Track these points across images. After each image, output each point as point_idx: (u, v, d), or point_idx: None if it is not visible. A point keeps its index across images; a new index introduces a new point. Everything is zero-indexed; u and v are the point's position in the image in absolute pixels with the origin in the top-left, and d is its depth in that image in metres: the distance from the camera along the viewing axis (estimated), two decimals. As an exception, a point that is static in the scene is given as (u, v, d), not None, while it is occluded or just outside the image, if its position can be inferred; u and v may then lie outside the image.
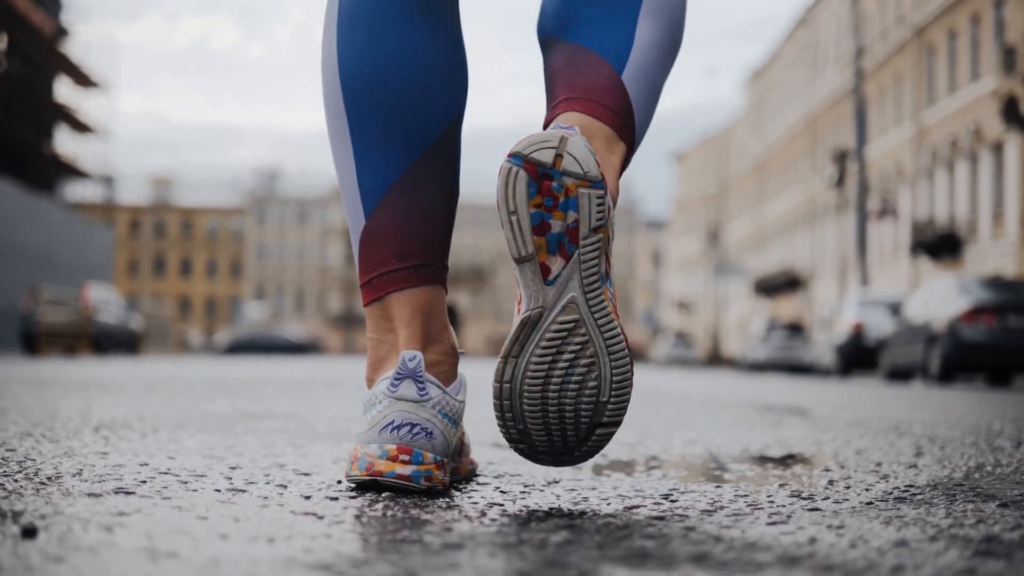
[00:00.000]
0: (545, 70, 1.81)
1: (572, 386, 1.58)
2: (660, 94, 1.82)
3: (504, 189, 1.53)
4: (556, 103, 1.73)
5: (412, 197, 1.75)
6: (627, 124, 1.72)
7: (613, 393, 1.58)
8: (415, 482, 1.64)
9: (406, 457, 1.65)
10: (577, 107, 1.70)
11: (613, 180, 1.68)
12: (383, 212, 1.75)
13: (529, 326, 1.57)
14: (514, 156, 1.53)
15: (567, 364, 1.57)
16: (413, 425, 1.66)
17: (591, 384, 1.57)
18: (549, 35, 1.81)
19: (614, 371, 1.58)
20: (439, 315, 1.78)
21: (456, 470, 1.85)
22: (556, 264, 1.56)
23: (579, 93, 1.71)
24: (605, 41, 1.75)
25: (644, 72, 1.77)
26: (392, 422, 1.66)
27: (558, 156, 1.53)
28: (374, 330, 1.77)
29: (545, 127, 1.72)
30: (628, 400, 1.60)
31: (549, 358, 1.57)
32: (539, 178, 1.53)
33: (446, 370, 1.76)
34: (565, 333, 1.57)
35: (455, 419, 1.73)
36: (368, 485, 1.67)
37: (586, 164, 1.54)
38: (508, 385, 1.57)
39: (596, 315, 1.57)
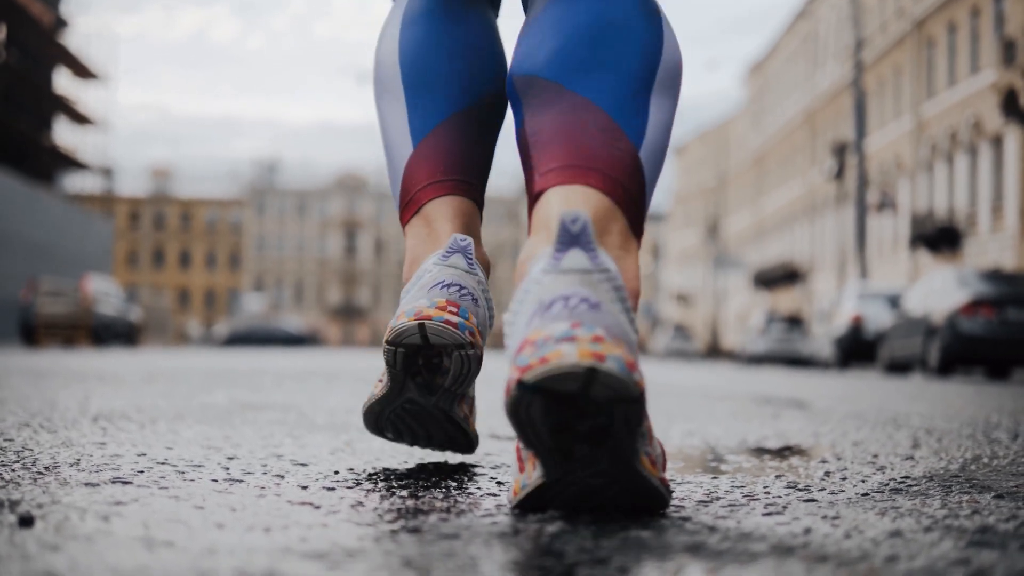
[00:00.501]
0: (533, 114, 1.59)
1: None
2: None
3: (514, 416, 1.29)
4: (564, 167, 1.50)
5: (453, 136, 1.82)
6: (640, 217, 1.53)
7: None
8: (460, 331, 1.62)
9: (454, 309, 1.63)
10: (594, 182, 1.49)
11: (634, 279, 1.50)
12: (427, 143, 1.81)
13: (548, 492, 1.38)
14: (524, 385, 1.26)
15: (593, 502, 1.39)
16: (462, 287, 1.66)
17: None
18: (539, 76, 1.60)
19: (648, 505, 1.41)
20: (477, 229, 1.81)
21: (466, 419, 1.82)
22: (582, 450, 1.34)
23: (593, 163, 1.49)
24: (619, 106, 1.55)
25: (655, 158, 1.58)
26: (442, 281, 1.66)
27: (585, 385, 1.25)
28: (413, 238, 1.78)
29: (536, 193, 1.52)
30: None
31: (573, 502, 1.39)
32: (560, 399, 1.27)
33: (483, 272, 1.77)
34: (592, 490, 1.38)
35: (491, 315, 1.75)
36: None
37: (623, 389, 1.26)
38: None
39: (631, 477, 1.37)
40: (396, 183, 1.85)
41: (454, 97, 1.85)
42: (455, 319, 1.61)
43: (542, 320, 1.30)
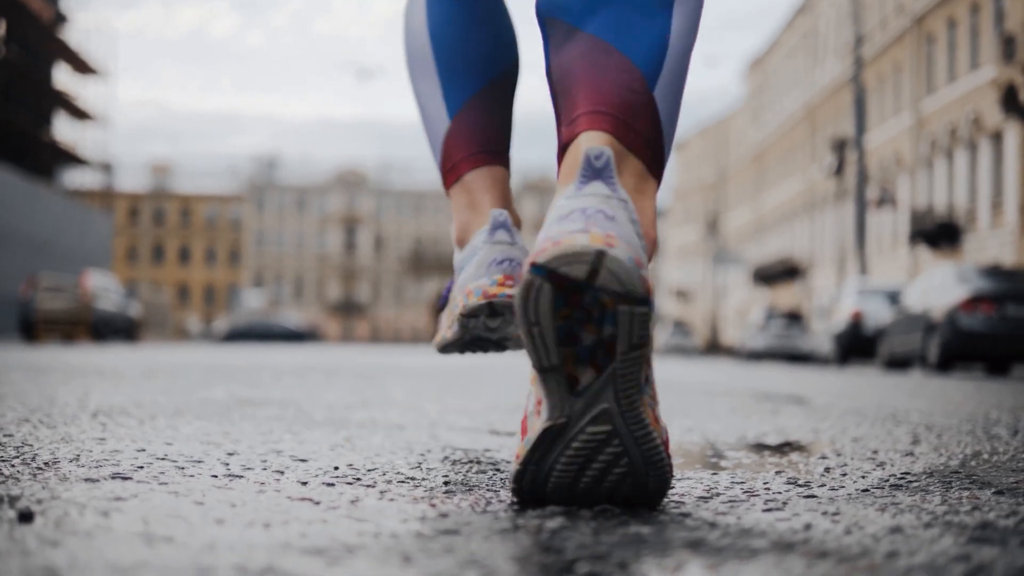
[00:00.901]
0: (554, 62, 1.64)
1: (603, 492, 1.41)
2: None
3: (523, 302, 1.35)
4: (577, 115, 1.56)
5: (483, 108, 2.11)
6: (656, 156, 1.58)
7: (654, 501, 1.43)
8: None
9: (511, 283, 1.95)
10: (607, 126, 1.53)
11: (651, 226, 1.54)
12: (462, 117, 2.10)
13: (552, 436, 1.39)
14: (536, 267, 1.34)
15: (596, 473, 1.40)
16: (512, 260, 1.97)
17: (624, 491, 1.41)
18: (559, 18, 1.64)
19: (653, 482, 1.41)
20: (509, 191, 2.12)
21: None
22: (586, 375, 1.38)
23: (607, 107, 1.54)
24: (635, 41, 1.59)
25: (675, 87, 1.62)
26: (495, 259, 1.96)
27: (593, 271, 1.33)
28: (458, 205, 2.09)
29: (564, 143, 1.56)
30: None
31: (575, 467, 1.39)
32: (568, 292, 1.35)
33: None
34: (595, 444, 1.38)
35: None
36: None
37: (629, 282, 1.33)
38: (528, 493, 1.42)
39: (633, 427, 1.38)
40: (436, 151, 2.14)
41: (482, 71, 2.12)
42: (513, 291, 1.92)
43: (559, 225, 1.40)
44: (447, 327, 2.10)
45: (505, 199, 2.09)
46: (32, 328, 25.40)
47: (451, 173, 2.10)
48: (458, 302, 2.00)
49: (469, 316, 1.97)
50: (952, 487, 1.72)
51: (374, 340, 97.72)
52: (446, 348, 2.14)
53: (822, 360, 26.00)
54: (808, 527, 1.30)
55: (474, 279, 1.98)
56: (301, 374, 6.79)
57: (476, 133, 2.09)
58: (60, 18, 44.56)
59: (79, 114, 45.68)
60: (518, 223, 2.06)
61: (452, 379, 6.53)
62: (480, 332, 2.00)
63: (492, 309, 1.95)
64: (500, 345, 2.11)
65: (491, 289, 1.94)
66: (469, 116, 2.10)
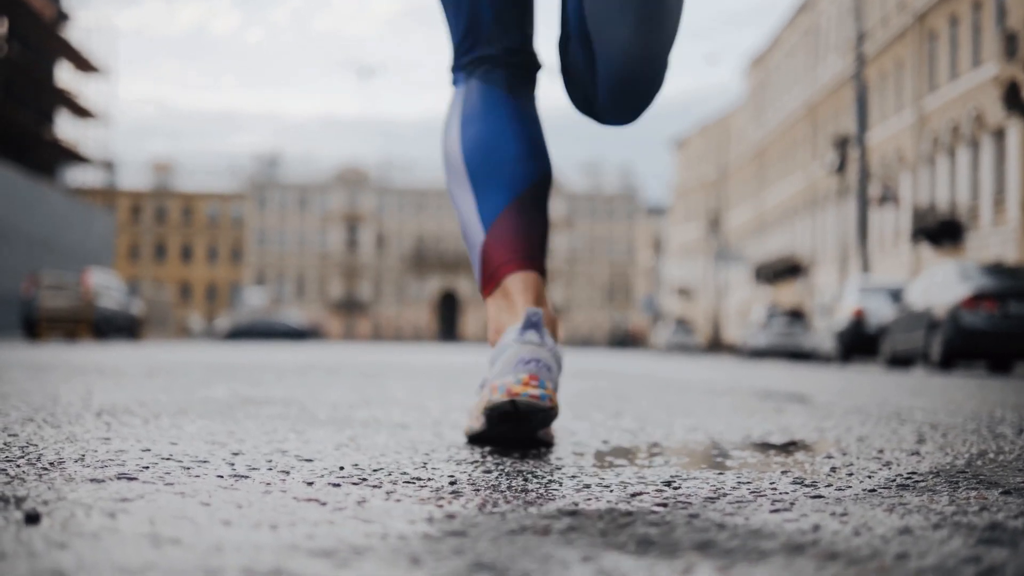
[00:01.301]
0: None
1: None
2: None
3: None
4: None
5: (516, 218, 2.35)
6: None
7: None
8: (543, 400, 2.11)
9: (535, 383, 2.11)
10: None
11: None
12: (496, 229, 2.34)
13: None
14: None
15: None
16: (538, 360, 2.15)
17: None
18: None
19: None
20: (543, 293, 2.33)
21: (546, 432, 2.33)
22: None
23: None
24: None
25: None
26: (523, 358, 2.14)
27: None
28: (495, 307, 2.34)
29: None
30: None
31: None
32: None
33: (550, 332, 2.28)
34: None
35: (560, 365, 2.24)
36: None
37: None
38: None
39: None
40: (475, 261, 2.39)
41: (513, 185, 2.36)
42: (537, 392, 2.11)
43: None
44: (475, 418, 2.30)
45: (539, 300, 2.30)
46: (34, 326, 25.42)
47: (490, 281, 2.34)
48: (484, 396, 2.19)
49: (492, 411, 2.13)
50: (959, 487, 1.72)
51: (376, 338, 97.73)
52: (473, 439, 2.31)
53: (824, 358, 26.00)
54: (816, 528, 1.29)
55: (501, 375, 2.15)
56: (303, 372, 6.79)
57: (511, 242, 2.33)
58: (62, 16, 44.58)
59: (81, 112, 45.70)
60: (552, 323, 2.31)
61: (454, 377, 6.53)
62: (503, 431, 2.20)
63: (515, 407, 2.11)
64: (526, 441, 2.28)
65: (515, 388, 2.10)
66: (503, 227, 2.34)
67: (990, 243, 35.16)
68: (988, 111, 35.82)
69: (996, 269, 17.40)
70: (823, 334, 27.06)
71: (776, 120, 65.56)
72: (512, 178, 2.35)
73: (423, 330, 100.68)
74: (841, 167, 41.36)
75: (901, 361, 18.78)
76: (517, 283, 2.29)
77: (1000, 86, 33.88)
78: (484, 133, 2.36)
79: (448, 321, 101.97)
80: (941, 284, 17.33)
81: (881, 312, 22.16)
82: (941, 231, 38.04)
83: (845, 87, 50.52)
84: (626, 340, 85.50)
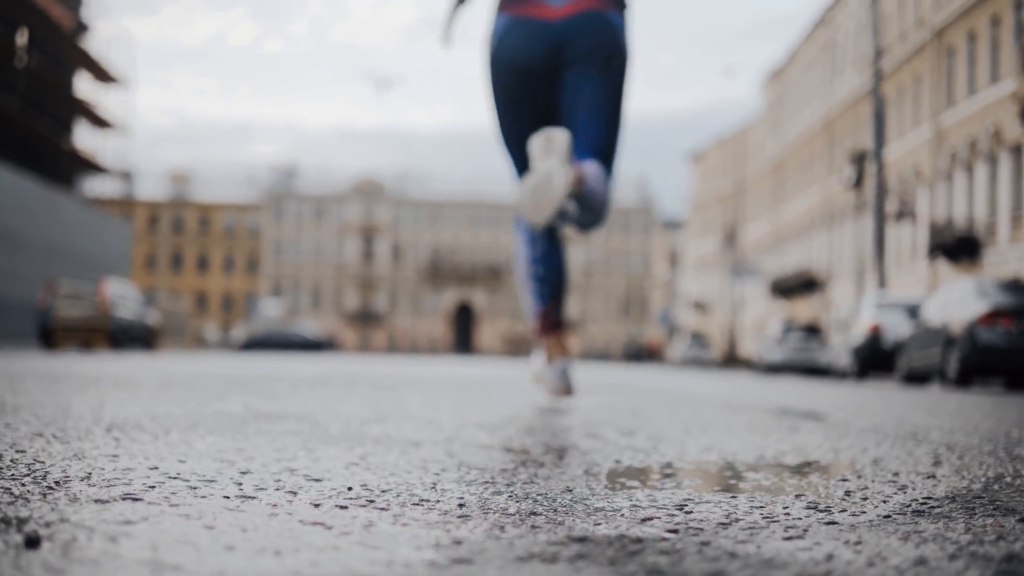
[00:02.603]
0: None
1: None
2: None
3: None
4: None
5: (554, 305, 4.77)
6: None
7: None
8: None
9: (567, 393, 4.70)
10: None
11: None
12: (545, 309, 4.75)
13: None
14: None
15: None
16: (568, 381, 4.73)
17: None
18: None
19: None
20: (566, 341, 4.69)
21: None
22: None
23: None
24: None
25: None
26: (560, 384, 4.72)
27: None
28: (547, 344, 4.73)
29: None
30: None
31: None
32: None
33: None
34: None
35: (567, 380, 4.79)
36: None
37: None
38: None
39: None
40: (536, 320, 4.76)
41: (552, 289, 4.76)
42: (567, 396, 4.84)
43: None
44: (543, 381, 4.85)
45: (564, 350, 4.71)
46: (50, 335, 25.48)
47: (544, 332, 4.75)
48: (549, 387, 4.78)
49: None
50: (976, 513, 1.69)
51: (391, 350, 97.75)
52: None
53: (840, 374, 25.88)
54: (830, 558, 1.27)
55: (552, 382, 4.74)
56: (318, 385, 6.77)
57: (550, 317, 4.76)
58: (81, 27, 44.76)
59: (99, 122, 45.86)
60: (566, 353, 4.75)
61: (469, 391, 6.51)
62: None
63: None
64: None
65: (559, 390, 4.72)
66: (548, 309, 4.76)
67: (1008, 259, 35.00)
68: (1006, 127, 35.69)
69: (1014, 286, 17.30)
70: (839, 350, 26.93)
71: (793, 134, 65.44)
72: (554, 286, 4.78)
73: (438, 342, 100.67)
74: (858, 182, 41.25)
75: (917, 377, 18.68)
76: (554, 337, 4.76)
77: (1018, 102, 33.76)
78: (539, 255, 4.75)
79: (463, 333, 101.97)
80: (958, 300, 17.24)
81: (898, 328, 22.06)
82: (958, 247, 37.88)
83: (862, 102, 50.42)
84: (641, 354, 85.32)
